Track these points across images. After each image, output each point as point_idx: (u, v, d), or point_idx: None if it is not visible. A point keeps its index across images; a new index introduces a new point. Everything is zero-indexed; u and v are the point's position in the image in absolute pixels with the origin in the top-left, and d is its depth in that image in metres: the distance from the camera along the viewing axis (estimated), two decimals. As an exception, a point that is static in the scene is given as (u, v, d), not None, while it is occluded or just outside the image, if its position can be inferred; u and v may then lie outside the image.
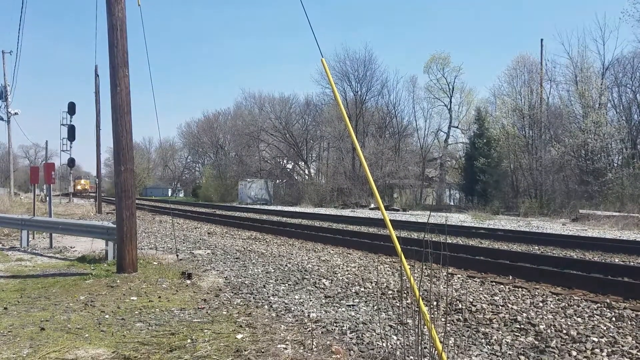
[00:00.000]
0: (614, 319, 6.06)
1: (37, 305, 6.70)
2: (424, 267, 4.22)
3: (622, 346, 5.01)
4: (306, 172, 60.47)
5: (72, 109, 29.00)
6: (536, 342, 5.17)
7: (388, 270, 9.58)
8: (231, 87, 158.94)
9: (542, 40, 36.89)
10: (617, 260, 11.23)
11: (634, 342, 5.15)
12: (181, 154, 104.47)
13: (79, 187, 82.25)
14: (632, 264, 10.63)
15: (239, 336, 5.27)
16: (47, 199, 14.86)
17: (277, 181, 58.80)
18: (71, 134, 29.58)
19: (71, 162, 33.66)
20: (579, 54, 34.49)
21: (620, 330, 5.56)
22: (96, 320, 5.91)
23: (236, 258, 11.15)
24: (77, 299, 7.04)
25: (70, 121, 29.78)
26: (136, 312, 6.30)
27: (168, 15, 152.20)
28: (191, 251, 12.28)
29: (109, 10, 9.19)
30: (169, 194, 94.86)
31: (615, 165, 32.25)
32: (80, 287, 7.91)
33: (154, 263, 10.22)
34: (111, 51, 9.19)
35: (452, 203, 47.60)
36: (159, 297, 7.19)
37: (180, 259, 10.93)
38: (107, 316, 6.11)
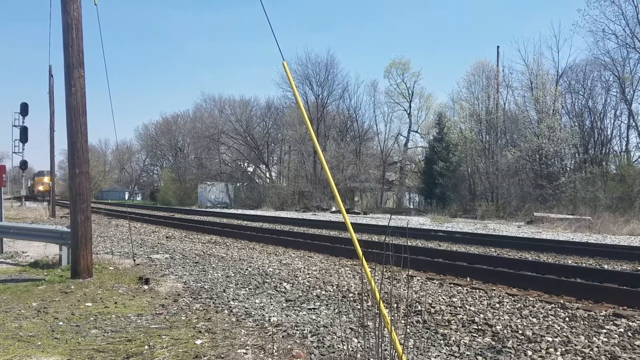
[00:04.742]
0: (567, 319, 6.23)
1: (-15, 313, 6.44)
2: (385, 270, 4.24)
3: (575, 345, 5.15)
4: (267, 175, 60.22)
5: (24, 109, 28.03)
6: (493, 343, 5.26)
7: (349, 273, 9.62)
8: (190, 89, 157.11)
9: (498, 47, 38.04)
10: (570, 262, 11.57)
11: (586, 341, 5.30)
12: (138, 156, 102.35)
13: (40, 188, 65.17)
14: (584, 265, 10.97)
15: (198, 342, 5.19)
16: (-2, 202, 14.32)
17: (238, 184, 58.35)
18: (24, 136, 28.58)
19: (23, 165, 32.56)
20: (534, 61, 35.51)
21: (573, 330, 5.72)
22: (49, 327, 5.72)
23: (195, 262, 11.00)
24: (29, 306, 6.80)
25: (23, 122, 28.75)
26: (91, 319, 6.13)
27: (125, 16, 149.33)
28: (149, 256, 12.05)
29: (64, 9, 8.95)
30: (126, 198, 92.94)
31: (568, 169, 33.28)
32: (32, 294, 7.65)
33: (110, 268, 9.98)
34: (66, 51, 8.95)
35: (412, 206, 48.12)
36: (115, 303, 7.02)
37: (138, 264, 10.71)
38: (60, 323, 5.92)
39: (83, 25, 9.13)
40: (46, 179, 61.26)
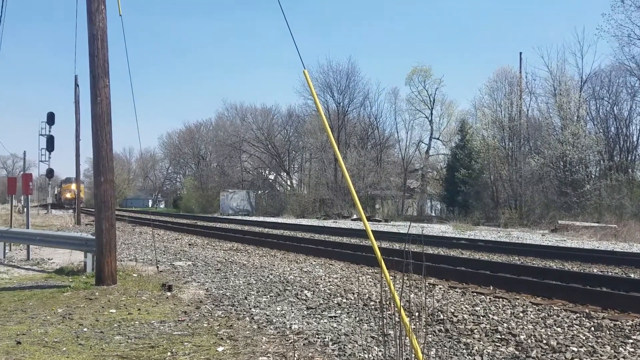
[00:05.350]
0: (592, 328, 6.13)
1: (13, 319, 6.57)
2: (406, 278, 4.23)
3: (601, 356, 5.06)
4: (288, 182, 60.43)
5: (51, 119, 28.65)
6: (517, 352, 5.19)
7: (370, 281, 9.58)
8: (212, 97, 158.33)
9: (520, 53, 37.56)
10: (595, 271, 11.38)
11: (612, 351, 5.20)
12: (162, 164, 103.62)
13: (68, 195, 61.02)
14: (610, 274, 10.78)
15: (220, 349, 5.22)
16: (25, 210, 14.63)
17: (259, 192, 58.61)
18: (50, 145, 29.18)
19: (50, 173, 33.21)
20: (557, 67, 35.16)
21: (599, 340, 5.62)
22: (74, 334, 5.81)
23: (217, 269, 11.07)
24: (55, 312, 6.92)
25: (50, 131, 29.35)
26: (115, 325, 6.21)
27: (149, 25, 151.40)
28: (172, 263, 12.16)
29: (90, 19, 9.14)
30: (150, 205, 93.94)
31: (593, 176, 32.78)
32: (58, 300, 7.78)
33: (134, 275, 10.10)
34: (92, 61, 9.13)
35: (433, 214, 47.82)
36: (139, 309, 7.10)
37: (161, 271, 10.82)
38: (85, 329, 6.01)
39: (108, 36, 9.33)
40: (74, 186, 53.14)
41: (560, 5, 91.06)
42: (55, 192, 71.99)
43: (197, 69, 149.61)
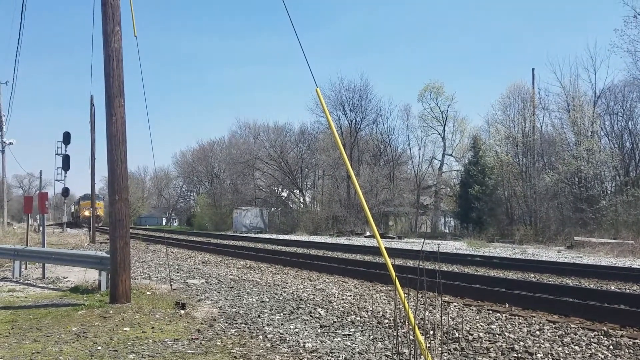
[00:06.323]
0: (611, 347, 6.02)
1: (28, 337, 6.60)
2: (420, 296, 4.20)
3: (620, 375, 4.96)
4: (301, 200, 60.48)
5: (67, 138, 29.01)
6: (534, 371, 5.12)
7: (384, 299, 9.52)
8: (226, 116, 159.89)
9: (533, 69, 37.44)
10: (613, 288, 11.22)
11: (632, 370, 5.11)
12: (176, 182, 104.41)
13: (86, 213, 53.58)
14: (628, 291, 10.61)
15: (234, 367, 5.20)
16: (41, 228, 14.76)
17: (272, 209, 58.71)
18: (66, 164, 29.51)
19: (65, 192, 33.54)
20: (570, 83, 35.02)
21: (617, 359, 5.52)
22: (88, 352, 5.82)
23: (231, 287, 11.06)
24: (70, 330, 6.95)
25: (65, 151, 29.71)
26: (129, 343, 6.21)
27: (162, 45, 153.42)
28: (185, 280, 12.18)
29: (106, 41, 9.30)
30: (164, 223, 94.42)
31: (609, 192, 32.43)
32: (72, 318, 7.81)
33: (148, 293, 10.12)
34: (107, 81, 9.26)
35: (447, 230, 47.51)
36: (152, 327, 7.11)
37: (174, 289, 10.83)
38: (99, 347, 6.02)
39: (123, 56, 9.48)
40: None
41: (572, 20, 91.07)
42: (72, 210, 72.56)
43: (210, 88, 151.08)
